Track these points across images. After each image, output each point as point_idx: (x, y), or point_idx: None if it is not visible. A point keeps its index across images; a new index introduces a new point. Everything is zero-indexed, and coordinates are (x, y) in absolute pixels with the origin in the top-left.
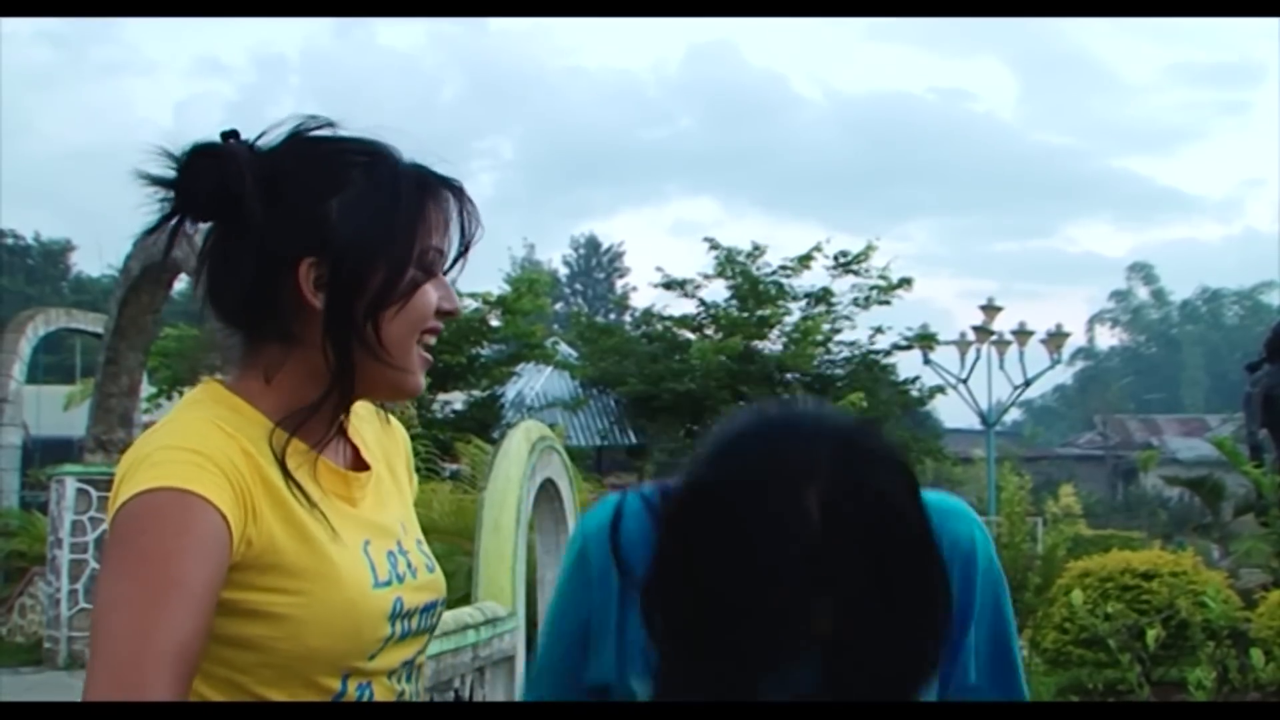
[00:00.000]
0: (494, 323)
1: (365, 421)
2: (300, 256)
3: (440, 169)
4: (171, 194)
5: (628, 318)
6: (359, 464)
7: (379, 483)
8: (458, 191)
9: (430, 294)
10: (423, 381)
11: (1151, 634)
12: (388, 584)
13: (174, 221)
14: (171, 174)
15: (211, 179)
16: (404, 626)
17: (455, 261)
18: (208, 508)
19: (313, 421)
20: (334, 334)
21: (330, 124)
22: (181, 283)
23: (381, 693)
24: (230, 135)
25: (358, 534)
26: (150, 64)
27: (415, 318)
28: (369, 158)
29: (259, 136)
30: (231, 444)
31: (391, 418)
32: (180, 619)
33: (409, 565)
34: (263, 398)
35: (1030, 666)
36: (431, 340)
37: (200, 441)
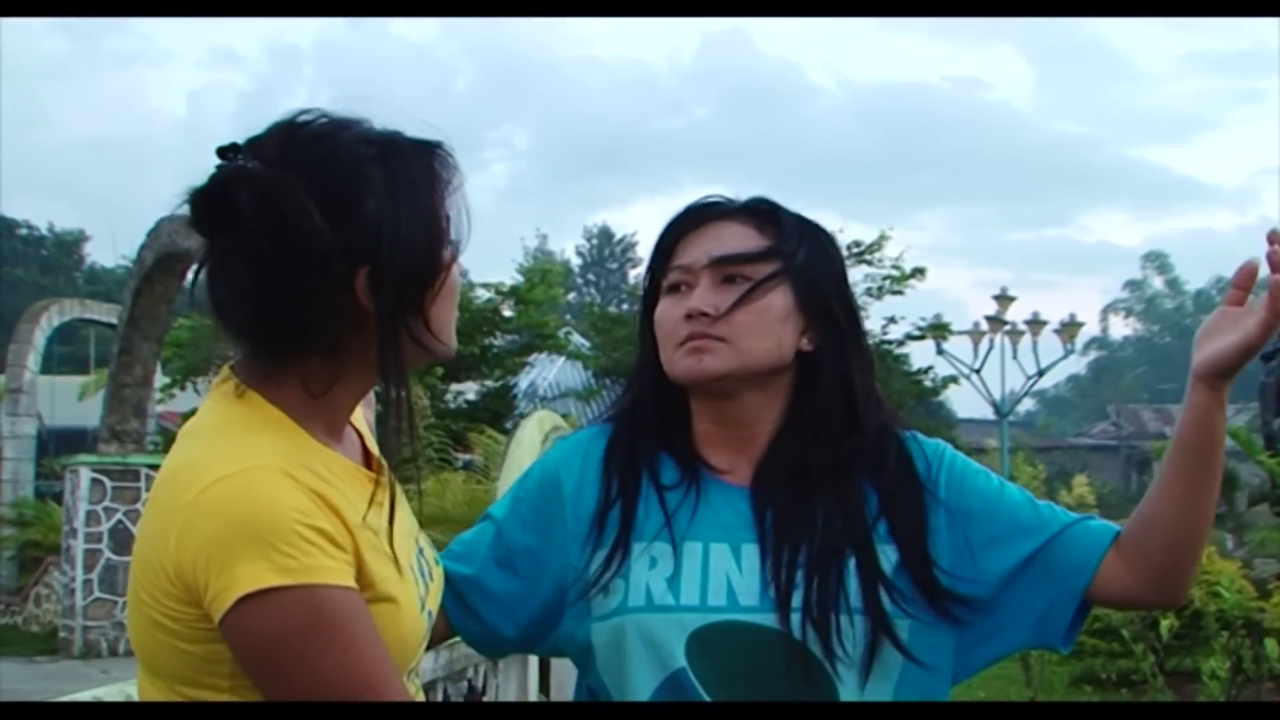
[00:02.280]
0: (507, 313)
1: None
2: (357, 266)
3: (415, 132)
4: (217, 232)
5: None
6: (365, 457)
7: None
8: (440, 149)
9: (453, 268)
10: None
11: (1165, 624)
12: (424, 599)
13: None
14: (210, 211)
15: (268, 213)
16: (428, 625)
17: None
18: (349, 595)
19: (341, 423)
20: (390, 334)
21: (322, 114)
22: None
23: (411, 692)
24: (229, 151)
25: (403, 545)
26: (165, 54)
27: (454, 288)
28: (373, 145)
29: (254, 145)
30: (316, 502)
31: None
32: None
33: (427, 565)
34: (310, 415)
35: (1043, 657)
36: None
37: (303, 512)
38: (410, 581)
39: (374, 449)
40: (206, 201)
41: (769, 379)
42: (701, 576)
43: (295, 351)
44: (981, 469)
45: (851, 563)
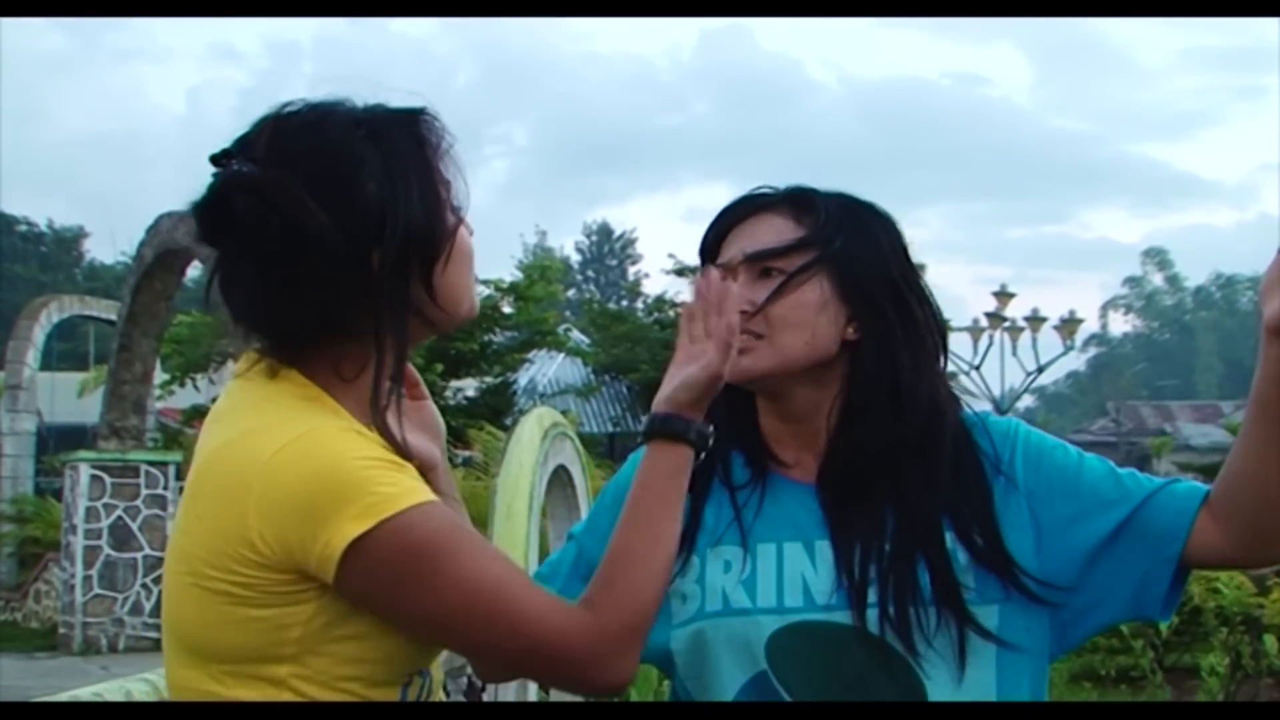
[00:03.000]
0: (506, 309)
1: None
2: (368, 250)
3: (396, 102)
4: (222, 239)
5: (640, 304)
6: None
7: None
8: (425, 115)
9: (463, 229)
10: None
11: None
12: None
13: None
14: (212, 221)
15: (269, 213)
16: None
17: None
18: (430, 509)
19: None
20: (392, 311)
21: (305, 103)
22: (195, 269)
23: (436, 677)
24: (222, 157)
25: None
26: (164, 51)
27: (465, 251)
28: (360, 125)
29: (245, 145)
30: (374, 446)
31: None
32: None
33: None
34: (346, 396)
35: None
36: None
37: (363, 453)
38: None
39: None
40: (207, 212)
41: (819, 372)
42: (777, 577)
43: (321, 338)
44: (1059, 443)
45: (923, 555)
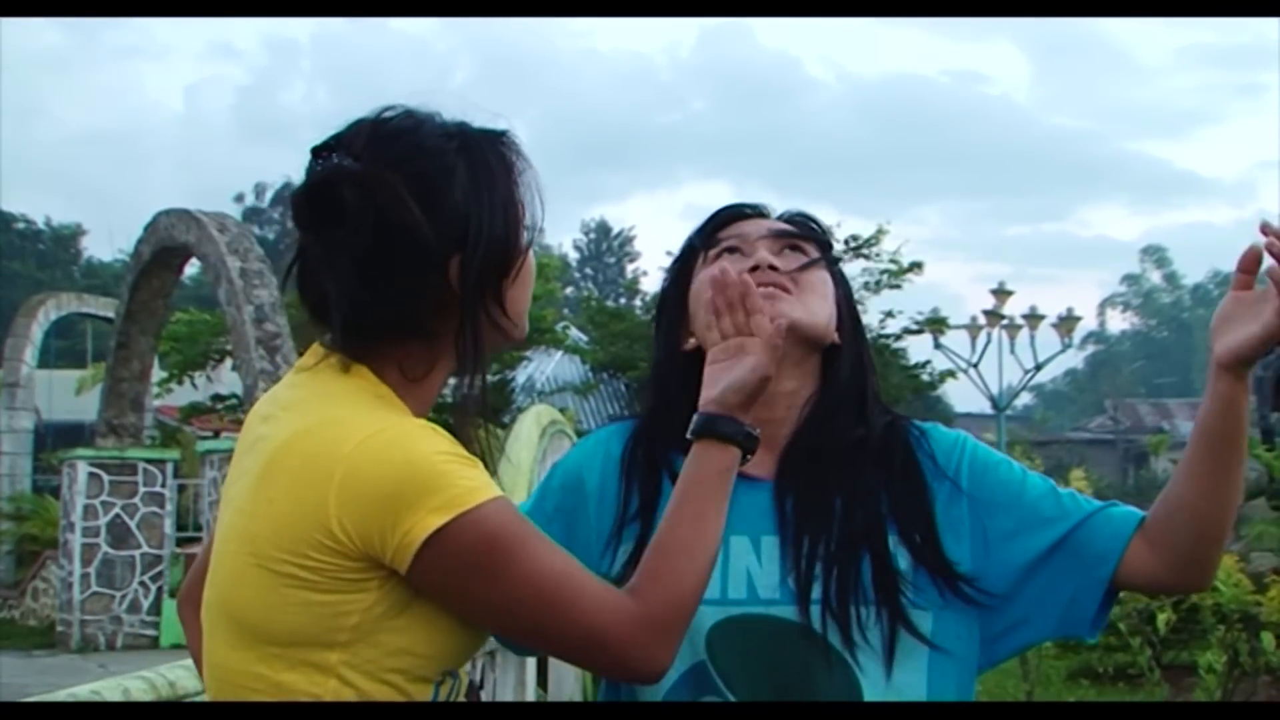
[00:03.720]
0: None
1: None
2: (450, 255)
3: (481, 120)
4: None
5: (638, 302)
6: None
7: None
8: (508, 137)
9: (530, 256)
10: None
11: (1162, 618)
12: None
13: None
14: (314, 208)
15: (370, 207)
16: None
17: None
18: (502, 505)
19: (431, 407)
20: (473, 319)
21: (403, 109)
22: (193, 267)
23: (464, 671)
24: (323, 150)
25: None
26: (162, 48)
27: (530, 271)
28: (453, 138)
29: (343, 143)
30: (452, 443)
31: None
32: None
33: None
34: (410, 397)
35: (1041, 650)
36: None
37: (441, 449)
38: None
39: None
40: (310, 199)
41: (806, 359)
42: (722, 569)
43: (394, 338)
44: (1004, 459)
45: (868, 554)
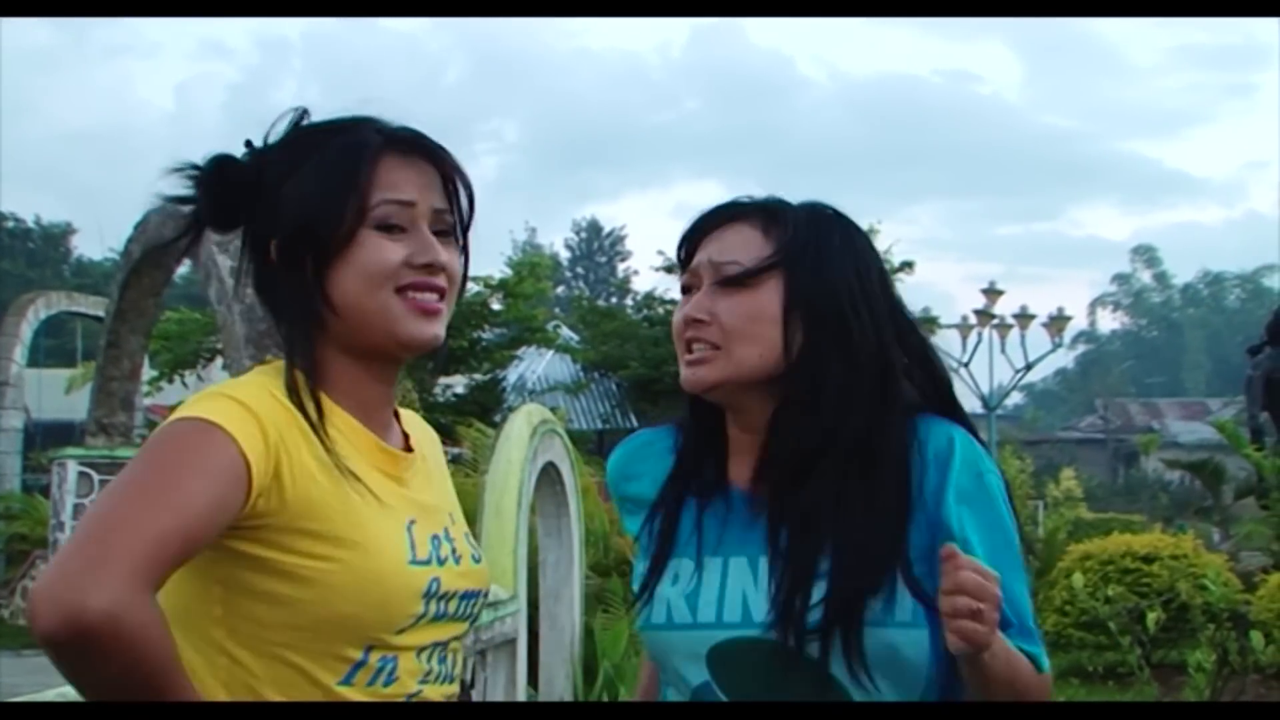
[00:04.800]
0: (495, 306)
1: (412, 424)
2: (270, 237)
3: (440, 138)
4: (195, 206)
5: (629, 301)
6: (409, 450)
7: (427, 468)
8: (431, 150)
9: (385, 247)
10: (424, 329)
11: (1152, 617)
12: (426, 563)
13: (195, 231)
14: (190, 188)
15: (224, 190)
16: (439, 608)
17: (457, 218)
18: (229, 442)
19: (367, 396)
20: (293, 303)
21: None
22: (184, 266)
23: (406, 667)
24: (251, 145)
25: (403, 510)
26: (153, 46)
27: (370, 272)
28: (338, 133)
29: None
30: (280, 409)
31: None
32: (163, 518)
33: (453, 551)
34: (327, 386)
35: None
36: (420, 295)
37: (248, 395)
38: (396, 532)
39: (415, 446)
40: (199, 187)
41: (758, 387)
42: (719, 593)
43: (275, 320)
44: (988, 498)
45: (862, 579)
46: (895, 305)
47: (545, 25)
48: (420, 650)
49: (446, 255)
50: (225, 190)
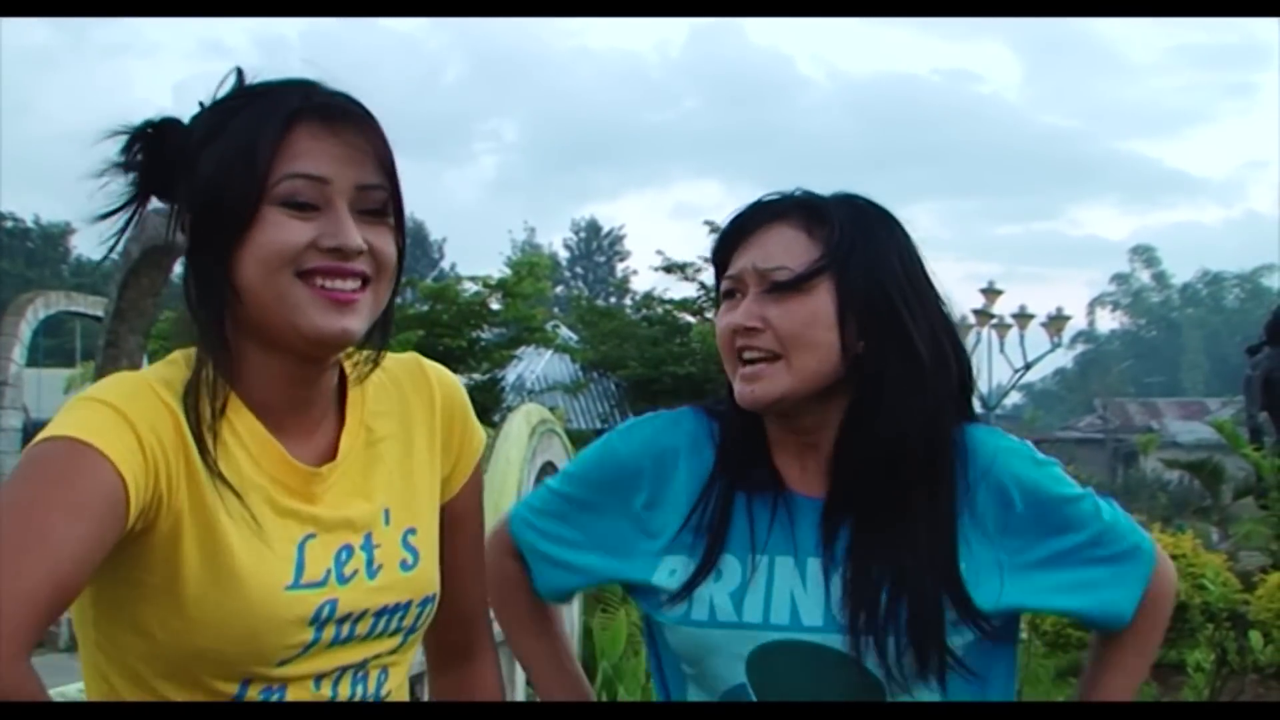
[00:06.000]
0: (494, 306)
1: (388, 390)
2: (184, 212)
3: (343, 88)
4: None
5: (628, 301)
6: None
7: (360, 470)
8: (360, 119)
9: (287, 226)
10: (331, 321)
11: None
12: (318, 584)
13: (138, 200)
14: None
15: (161, 156)
16: (338, 632)
17: (378, 193)
18: (103, 463)
19: (280, 399)
20: (199, 288)
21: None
22: (181, 265)
23: (299, 697)
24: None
25: (297, 528)
26: (152, 45)
27: (266, 253)
28: (259, 97)
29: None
30: (162, 412)
31: (435, 373)
32: (34, 573)
33: (368, 563)
34: (241, 377)
35: (1029, 649)
36: (330, 283)
37: (126, 399)
38: (273, 556)
39: (348, 444)
40: (124, 151)
41: (822, 394)
42: (766, 593)
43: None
44: (1050, 491)
45: (914, 586)
46: (938, 294)
47: (544, 25)
48: (320, 677)
49: (373, 237)
50: (162, 156)
